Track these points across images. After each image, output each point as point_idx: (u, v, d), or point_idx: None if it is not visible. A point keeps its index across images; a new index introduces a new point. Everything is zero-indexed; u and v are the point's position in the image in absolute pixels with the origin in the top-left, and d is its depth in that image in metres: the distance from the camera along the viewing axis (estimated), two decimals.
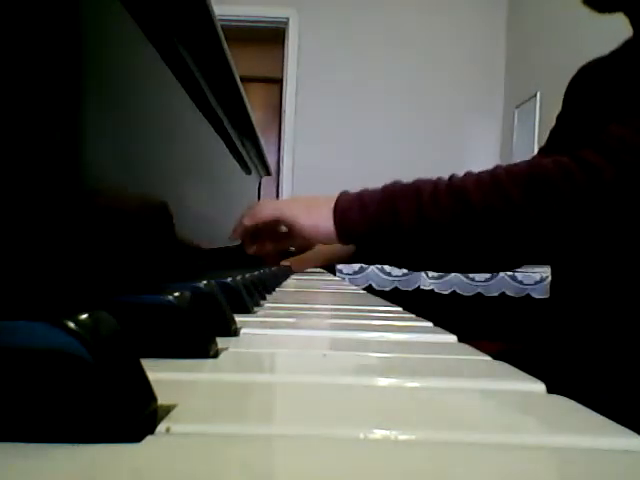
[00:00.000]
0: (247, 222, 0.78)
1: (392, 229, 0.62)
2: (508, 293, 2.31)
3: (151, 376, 0.19)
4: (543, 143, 0.90)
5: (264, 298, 0.66)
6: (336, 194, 0.68)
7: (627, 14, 0.70)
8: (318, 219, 0.68)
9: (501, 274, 2.30)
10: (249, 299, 0.52)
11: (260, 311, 0.53)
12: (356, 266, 2.29)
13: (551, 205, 0.56)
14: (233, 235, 0.82)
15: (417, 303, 2.08)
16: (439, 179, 0.64)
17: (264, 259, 0.95)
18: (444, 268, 0.70)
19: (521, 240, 0.59)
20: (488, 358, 0.32)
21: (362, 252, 0.69)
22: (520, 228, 0.58)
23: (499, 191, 0.58)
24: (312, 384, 0.25)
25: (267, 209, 0.76)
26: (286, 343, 0.38)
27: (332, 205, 0.67)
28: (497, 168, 0.61)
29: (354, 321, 0.49)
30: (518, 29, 3.52)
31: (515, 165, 0.62)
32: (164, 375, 0.24)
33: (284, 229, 0.79)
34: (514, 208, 0.57)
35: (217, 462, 0.15)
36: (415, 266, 0.72)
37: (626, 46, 0.71)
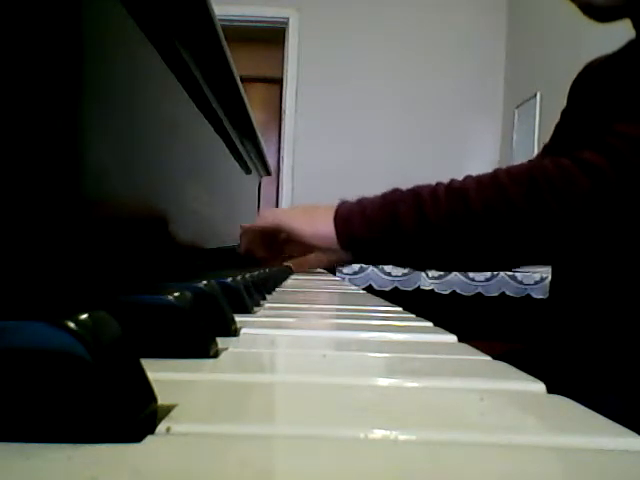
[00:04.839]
0: (248, 231, 0.79)
1: (393, 234, 0.62)
2: (508, 293, 2.31)
3: (151, 376, 0.19)
4: (543, 142, 0.90)
5: (264, 298, 0.66)
6: (335, 203, 0.68)
7: (630, 17, 0.70)
8: (318, 226, 0.68)
9: (501, 274, 2.30)
10: (249, 299, 0.52)
11: (260, 311, 0.53)
12: (356, 266, 2.30)
13: (551, 205, 0.56)
14: (241, 251, 0.84)
15: (417, 303, 2.08)
16: (438, 183, 0.63)
17: (265, 260, 0.95)
18: (447, 268, 0.70)
19: (522, 241, 0.59)
20: (488, 358, 0.32)
21: (363, 256, 0.69)
22: (520, 229, 0.58)
23: (499, 192, 0.58)
24: (312, 384, 0.25)
25: (267, 217, 0.77)
26: (286, 343, 0.38)
27: (332, 213, 0.67)
28: (497, 170, 0.61)
29: (354, 321, 0.49)
30: (518, 29, 3.52)
31: (515, 166, 0.62)
32: (164, 375, 0.24)
33: (284, 236, 0.80)
34: (514, 208, 0.57)
35: (217, 462, 0.15)
36: (416, 266, 0.72)
37: (631, 46, 0.71)
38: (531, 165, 0.61)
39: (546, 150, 0.87)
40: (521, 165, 0.62)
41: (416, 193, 0.62)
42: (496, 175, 0.60)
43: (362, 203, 0.66)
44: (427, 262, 0.68)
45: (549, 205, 0.56)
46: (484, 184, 0.60)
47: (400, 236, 0.62)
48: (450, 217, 0.59)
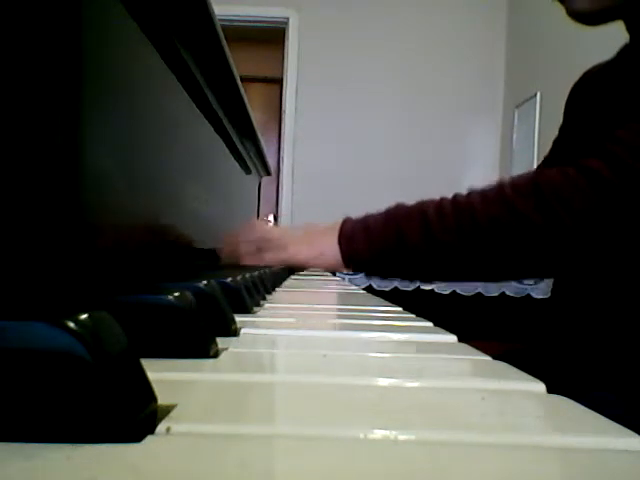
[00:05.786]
0: (245, 262, 0.76)
1: (399, 252, 0.62)
2: (508, 293, 2.31)
3: (151, 376, 0.19)
4: (543, 143, 0.90)
5: (264, 298, 0.66)
6: (336, 221, 0.68)
7: (623, 20, 0.70)
8: (322, 248, 0.67)
9: None
10: (249, 299, 0.52)
11: (260, 311, 0.53)
12: None
13: (557, 214, 0.55)
14: (222, 257, 0.81)
15: (417, 303, 2.07)
16: (443, 198, 0.63)
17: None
18: (455, 281, 0.70)
19: (529, 252, 0.58)
20: (488, 358, 0.32)
21: (368, 273, 0.68)
22: (527, 239, 0.57)
23: (504, 203, 0.58)
24: (312, 384, 0.25)
25: (269, 253, 0.73)
26: (286, 343, 0.38)
27: (335, 232, 0.66)
28: (501, 183, 0.61)
29: (354, 321, 0.49)
30: (518, 29, 3.52)
31: (519, 177, 0.62)
32: (164, 375, 0.24)
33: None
34: (520, 219, 0.57)
35: (217, 462, 0.15)
36: (422, 280, 0.71)
37: (624, 51, 0.71)
38: (535, 174, 0.60)
39: (546, 163, 0.87)
40: (525, 176, 0.62)
41: (421, 210, 0.62)
42: (501, 188, 0.59)
43: (366, 220, 0.65)
44: (433, 277, 0.68)
45: (559, 215, 0.55)
46: (489, 196, 0.59)
47: (406, 253, 0.61)
48: (457, 234, 0.59)
